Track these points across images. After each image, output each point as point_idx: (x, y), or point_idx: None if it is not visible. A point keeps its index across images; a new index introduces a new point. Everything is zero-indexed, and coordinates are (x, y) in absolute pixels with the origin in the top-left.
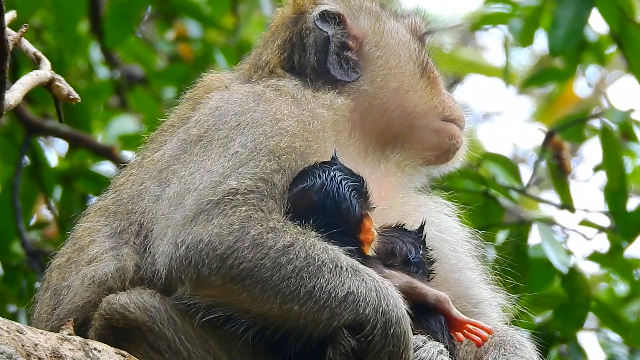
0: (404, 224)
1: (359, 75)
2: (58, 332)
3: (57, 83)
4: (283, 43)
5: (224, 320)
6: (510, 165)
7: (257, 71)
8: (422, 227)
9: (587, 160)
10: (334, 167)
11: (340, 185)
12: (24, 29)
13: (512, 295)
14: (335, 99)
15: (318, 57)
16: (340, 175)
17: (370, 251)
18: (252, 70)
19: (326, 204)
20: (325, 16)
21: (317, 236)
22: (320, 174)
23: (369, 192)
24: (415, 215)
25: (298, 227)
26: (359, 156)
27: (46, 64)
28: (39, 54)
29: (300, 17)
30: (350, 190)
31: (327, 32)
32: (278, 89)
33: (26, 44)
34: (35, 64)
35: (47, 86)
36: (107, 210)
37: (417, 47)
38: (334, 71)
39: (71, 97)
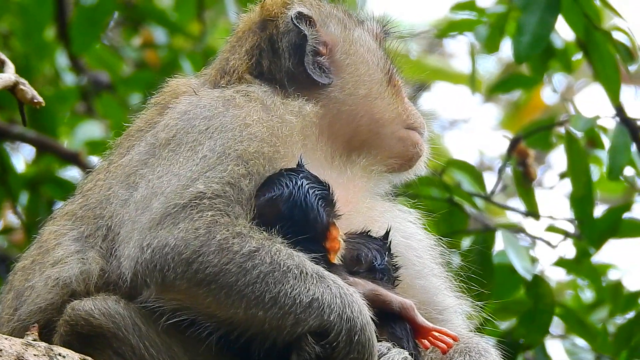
0: (369, 231)
1: (331, 80)
2: (19, 333)
3: (21, 87)
4: (251, 48)
5: (188, 324)
6: (475, 173)
7: (225, 77)
8: (387, 234)
9: (554, 167)
10: (301, 174)
11: (307, 195)
12: None
13: (477, 302)
14: (304, 105)
15: (292, 59)
16: (307, 184)
17: (336, 259)
18: (219, 76)
19: (294, 213)
20: (299, 18)
21: (283, 242)
22: (288, 182)
23: (335, 199)
24: (381, 221)
25: (264, 233)
26: (326, 161)
27: (10, 67)
28: (3, 57)
29: (269, 22)
30: (317, 199)
31: (305, 31)
32: (247, 95)
33: None
34: None
35: (12, 90)
36: (74, 214)
37: (383, 54)
38: (310, 71)
39: (35, 100)
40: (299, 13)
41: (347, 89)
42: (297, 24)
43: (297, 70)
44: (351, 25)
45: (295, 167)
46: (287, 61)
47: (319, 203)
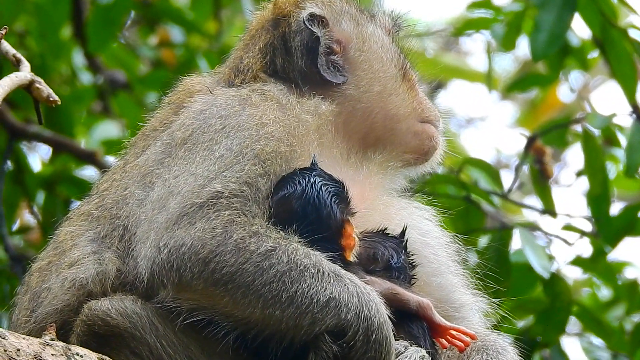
0: (385, 229)
1: (346, 78)
2: (37, 335)
3: (37, 85)
4: (264, 46)
5: (205, 324)
6: (491, 171)
7: (239, 75)
8: (403, 232)
9: (570, 165)
10: (314, 172)
11: (320, 192)
12: (3, 31)
13: (494, 300)
14: (319, 104)
15: (305, 60)
16: (320, 181)
17: (351, 257)
18: (233, 74)
19: (307, 211)
20: (311, 18)
21: (300, 241)
22: (300, 180)
23: (349, 197)
24: (397, 219)
25: (281, 232)
26: (342, 159)
27: (26, 66)
28: (19, 55)
29: (282, 20)
30: (330, 196)
31: (317, 33)
32: (263, 94)
33: (6, 46)
34: (15, 66)
35: (27, 88)
36: (90, 215)
37: (396, 50)
38: (324, 72)
39: (51, 99)
40: (311, 14)
41: (362, 86)
42: (309, 26)
43: (311, 69)
44: (364, 22)
45: (309, 165)
46: (300, 60)
47: (332, 200)
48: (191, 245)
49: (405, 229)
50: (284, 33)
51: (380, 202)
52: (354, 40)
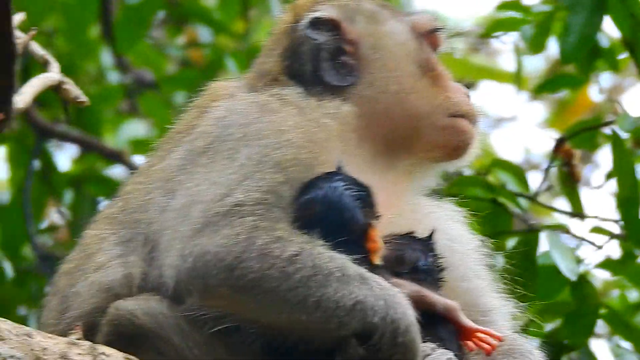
0: (413, 232)
1: (355, 78)
2: (66, 336)
3: (65, 86)
4: (283, 51)
5: (232, 330)
6: (519, 172)
7: (262, 79)
8: (431, 235)
9: (600, 167)
10: (337, 177)
11: (342, 195)
12: (33, 32)
13: (521, 303)
14: (340, 106)
15: (313, 64)
16: (343, 185)
17: (377, 260)
18: (256, 79)
19: (330, 215)
20: (316, 23)
21: (324, 245)
22: (323, 184)
23: (374, 200)
24: (425, 223)
25: (305, 236)
26: (367, 164)
27: (55, 66)
28: (48, 56)
29: (297, 25)
30: (353, 199)
31: (317, 40)
32: (282, 98)
33: (35, 47)
34: (44, 67)
35: (56, 89)
36: (114, 218)
37: (417, 46)
38: (327, 77)
39: (79, 99)
40: (314, 20)
41: (377, 86)
42: (309, 34)
43: (319, 74)
44: (382, 19)
45: (333, 170)
46: (309, 65)
47: (355, 203)
48: (216, 252)
49: (433, 232)
50: (297, 37)
51: (408, 207)
52: (368, 38)
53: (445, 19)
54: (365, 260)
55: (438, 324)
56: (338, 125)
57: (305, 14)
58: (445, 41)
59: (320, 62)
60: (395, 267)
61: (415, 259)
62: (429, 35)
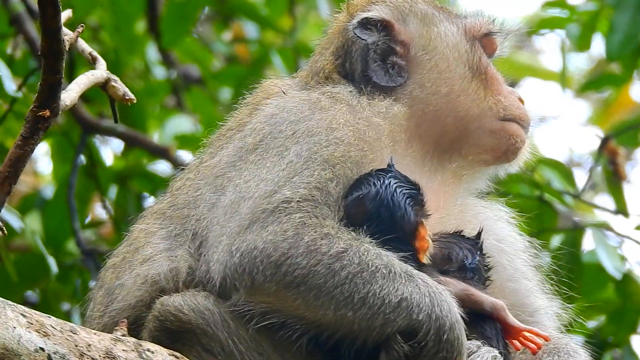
0: (461, 231)
1: (404, 79)
2: (109, 330)
3: (113, 83)
4: (336, 50)
5: (278, 326)
6: (564, 170)
7: (314, 77)
8: (479, 234)
9: None
10: (389, 174)
11: (395, 193)
12: (80, 29)
13: (567, 302)
14: (391, 106)
15: (363, 64)
16: (395, 183)
17: (425, 259)
18: (308, 77)
19: (381, 212)
20: (366, 23)
21: (372, 242)
22: (375, 181)
23: (424, 199)
24: (473, 223)
25: (352, 233)
26: (416, 165)
27: (102, 64)
28: (95, 53)
29: (349, 24)
30: (405, 197)
31: (366, 40)
32: (333, 97)
33: (82, 44)
34: (91, 63)
35: (103, 86)
36: (163, 213)
37: (469, 48)
38: (375, 77)
39: (127, 97)
40: (363, 20)
41: (428, 87)
42: (358, 34)
43: (368, 74)
44: (436, 20)
45: (384, 167)
46: (359, 65)
47: (407, 202)
48: (263, 248)
49: (481, 231)
50: (348, 38)
51: (456, 208)
52: (419, 40)
53: (499, 22)
54: (413, 258)
55: (484, 322)
56: (388, 125)
57: (359, 13)
58: (499, 44)
59: (369, 62)
60: (443, 266)
61: (463, 258)
62: (483, 39)
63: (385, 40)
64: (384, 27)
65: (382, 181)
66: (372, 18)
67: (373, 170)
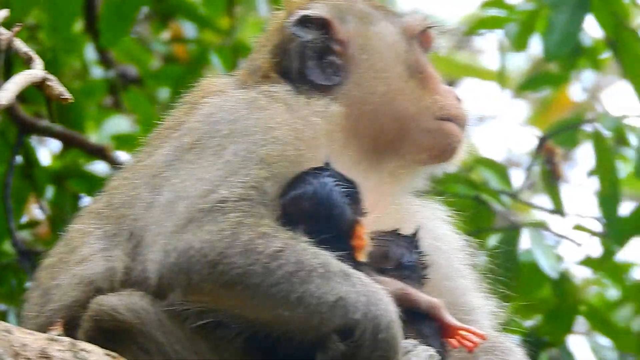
0: (398, 229)
1: (342, 78)
2: (46, 329)
3: (49, 83)
4: (274, 48)
5: (215, 325)
6: (501, 170)
7: (252, 76)
8: (416, 232)
9: (581, 164)
10: (326, 173)
11: (331, 192)
12: (17, 28)
13: (503, 301)
14: (328, 105)
15: (300, 62)
16: (331, 181)
17: (362, 257)
18: (246, 75)
19: (318, 211)
20: (305, 21)
21: (308, 241)
22: (312, 180)
23: (361, 197)
24: (410, 222)
25: (289, 232)
26: (353, 164)
27: (38, 63)
28: (31, 53)
29: (287, 22)
30: (341, 196)
31: (304, 38)
32: (271, 96)
33: (19, 43)
34: (27, 63)
35: (39, 86)
36: (99, 213)
37: (406, 47)
38: (312, 76)
39: (63, 97)
40: (303, 17)
41: (365, 87)
42: (295, 32)
43: (305, 73)
44: (374, 19)
45: (321, 165)
46: (296, 63)
47: (343, 200)
48: (200, 248)
49: (418, 229)
50: (286, 35)
51: (393, 206)
52: (357, 39)
53: (436, 19)
54: (349, 256)
55: (421, 321)
56: (325, 124)
57: (297, 11)
58: (436, 41)
59: (306, 61)
60: (380, 264)
61: (400, 256)
62: (420, 36)
63: (323, 38)
64: (322, 25)
65: (318, 180)
66: (310, 16)
67: (310, 169)
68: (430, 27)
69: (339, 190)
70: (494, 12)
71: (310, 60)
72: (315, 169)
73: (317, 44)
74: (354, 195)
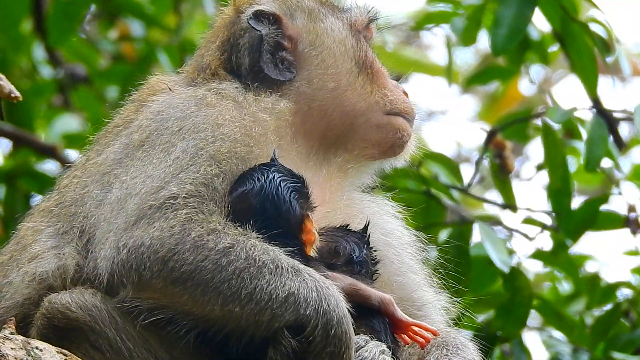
0: (348, 225)
1: (293, 74)
2: None
3: None
4: (222, 44)
5: (166, 322)
6: (451, 165)
7: (200, 73)
8: (366, 227)
9: (531, 159)
10: (273, 168)
11: (279, 187)
12: None
13: (455, 296)
14: (277, 102)
15: (252, 57)
16: (279, 177)
17: (312, 252)
18: (195, 73)
19: (266, 207)
20: (259, 16)
21: (258, 237)
22: (259, 176)
23: (309, 192)
24: (360, 218)
25: (239, 228)
26: (301, 160)
27: None
28: None
29: (237, 18)
30: (289, 191)
31: (261, 31)
32: (219, 93)
33: None
34: None
35: None
36: (50, 211)
37: (355, 42)
38: (267, 70)
39: (13, 95)
40: (257, 12)
41: (315, 83)
42: (253, 25)
43: (257, 68)
44: (322, 16)
45: (268, 161)
46: (247, 58)
47: (292, 195)
48: (150, 244)
49: (368, 225)
50: (237, 30)
51: (342, 202)
52: (306, 35)
53: (380, 11)
54: (300, 252)
55: (372, 316)
56: (274, 121)
57: (247, 7)
58: (379, 32)
59: (261, 54)
60: (330, 260)
61: (350, 251)
62: (366, 30)
63: (275, 34)
64: (274, 21)
65: (266, 176)
66: (264, 11)
67: (257, 165)
68: (374, 19)
69: (287, 186)
70: (441, 6)
71: (266, 53)
72: (263, 165)
73: (271, 39)
74: (301, 190)
